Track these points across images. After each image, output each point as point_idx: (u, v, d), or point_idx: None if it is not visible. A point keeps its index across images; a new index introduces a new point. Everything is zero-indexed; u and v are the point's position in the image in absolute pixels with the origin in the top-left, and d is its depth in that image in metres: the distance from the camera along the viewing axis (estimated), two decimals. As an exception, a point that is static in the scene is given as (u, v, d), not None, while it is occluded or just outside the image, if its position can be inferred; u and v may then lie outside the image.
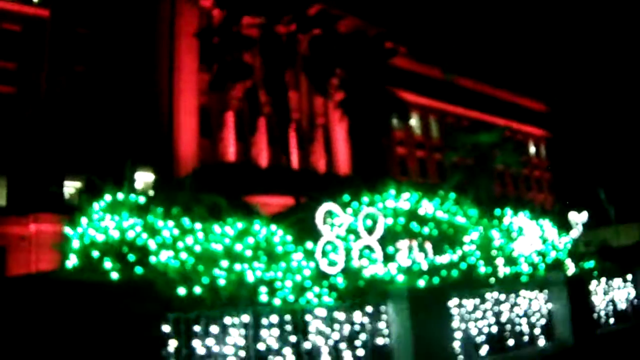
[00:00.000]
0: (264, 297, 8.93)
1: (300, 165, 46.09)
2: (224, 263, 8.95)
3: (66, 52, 41.36)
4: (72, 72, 41.49)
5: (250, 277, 9.01)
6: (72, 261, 9.60)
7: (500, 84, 66.99)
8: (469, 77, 62.92)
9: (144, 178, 39.91)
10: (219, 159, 43.47)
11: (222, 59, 29.42)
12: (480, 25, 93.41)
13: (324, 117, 49.15)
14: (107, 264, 8.78)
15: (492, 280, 12.95)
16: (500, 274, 13.14)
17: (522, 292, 13.39)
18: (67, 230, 9.83)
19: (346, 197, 11.70)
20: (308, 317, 9.32)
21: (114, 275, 8.55)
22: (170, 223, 9.47)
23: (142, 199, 9.91)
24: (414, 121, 58.01)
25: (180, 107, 42.95)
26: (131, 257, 8.78)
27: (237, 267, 9.05)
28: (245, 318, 8.62)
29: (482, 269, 12.55)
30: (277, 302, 8.98)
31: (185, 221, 9.56)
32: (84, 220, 9.83)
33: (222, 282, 8.74)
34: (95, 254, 9.12)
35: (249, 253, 9.35)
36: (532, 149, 71.01)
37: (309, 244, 10.26)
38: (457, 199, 13.44)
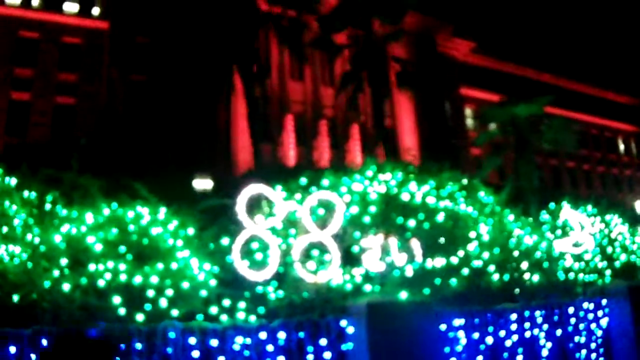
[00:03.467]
0: (121, 310, 6.37)
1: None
2: (64, 261, 6.48)
3: (125, 62, 41.22)
4: (130, 81, 41.29)
5: (101, 282, 6.46)
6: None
7: (582, 78, 61.31)
8: (548, 71, 58.13)
9: (203, 185, 38.78)
10: (279, 163, 41.95)
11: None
12: (557, 17, 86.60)
13: (390, 119, 46.30)
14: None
15: (517, 290, 9.69)
16: (531, 282, 9.87)
17: (566, 308, 10.05)
18: None
19: (302, 182, 8.87)
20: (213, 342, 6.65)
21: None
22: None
23: (13, 182, 7.61)
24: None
25: (238, 112, 41.67)
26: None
27: (92, 267, 6.52)
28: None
29: (496, 276, 9.27)
30: (140, 317, 6.38)
31: (47, 207, 7.14)
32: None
33: (66, 287, 6.31)
34: None
35: (99, 248, 6.72)
36: (622, 147, 64.44)
37: (225, 240, 7.54)
38: (468, 183, 10.18)
